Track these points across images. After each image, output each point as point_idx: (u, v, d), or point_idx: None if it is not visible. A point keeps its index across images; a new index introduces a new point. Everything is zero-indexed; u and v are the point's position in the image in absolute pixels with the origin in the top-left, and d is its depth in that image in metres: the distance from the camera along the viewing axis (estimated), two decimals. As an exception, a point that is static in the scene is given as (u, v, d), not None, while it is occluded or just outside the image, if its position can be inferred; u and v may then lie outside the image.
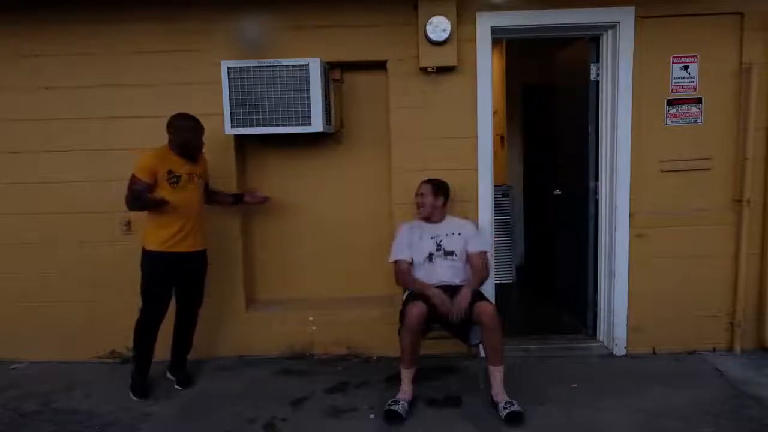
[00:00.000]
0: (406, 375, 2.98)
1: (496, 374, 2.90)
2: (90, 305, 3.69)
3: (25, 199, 3.64)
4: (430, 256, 3.19)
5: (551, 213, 4.58)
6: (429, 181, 3.30)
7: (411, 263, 3.20)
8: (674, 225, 3.53)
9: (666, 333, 3.56)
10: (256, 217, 3.79)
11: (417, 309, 2.86)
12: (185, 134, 3.07)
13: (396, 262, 3.21)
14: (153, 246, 3.09)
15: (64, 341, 3.70)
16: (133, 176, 2.97)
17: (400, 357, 2.97)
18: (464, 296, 2.91)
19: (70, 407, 3.13)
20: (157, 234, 3.07)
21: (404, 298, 3.20)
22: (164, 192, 2.99)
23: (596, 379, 3.28)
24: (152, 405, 3.12)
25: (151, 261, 3.12)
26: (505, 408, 2.79)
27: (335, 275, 3.84)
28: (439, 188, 3.27)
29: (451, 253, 3.20)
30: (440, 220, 3.28)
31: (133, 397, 3.16)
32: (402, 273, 3.18)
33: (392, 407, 2.86)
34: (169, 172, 3.02)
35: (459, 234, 3.23)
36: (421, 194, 3.25)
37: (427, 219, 3.27)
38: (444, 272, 3.16)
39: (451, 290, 3.00)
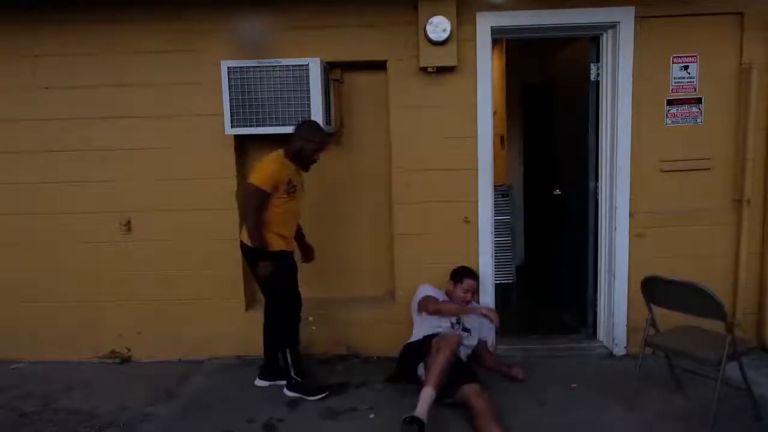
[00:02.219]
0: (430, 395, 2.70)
1: None
2: (90, 305, 3.69)
3: (25, 199, 3.64)
4: (452, 325, 3.25)
5: (551, 213, 4.57)
6: (474, 276, 3.39)
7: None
8: (674, 225, 3.53)
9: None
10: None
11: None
12: (315, 147, 3.03)
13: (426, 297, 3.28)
14: (278, 247, 3.03)
15: (64, 341, 3.71)
16: (256, 187, 2.89)
17: (427, 377, 2.78)
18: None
19: (70, 407, 3.13)
20: (276, 238, 3.02)
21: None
22: (280, 200, 2.96)
23: (596, 379, 3.28)
24: (152, 405, 3.12)
25: (281, 259, 3.06)
26: None
27: (335, 275, 3.84)
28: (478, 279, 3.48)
29: (468, 330, 3.28)
30: None
31: (315, 397, 3.09)
32: (432, 301, 3.24)
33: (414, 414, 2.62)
34: (289, 182, 2.98)
35: (477, 317, 3.30)
36: (466, 291, 3.32)
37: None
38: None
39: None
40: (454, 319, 3.27)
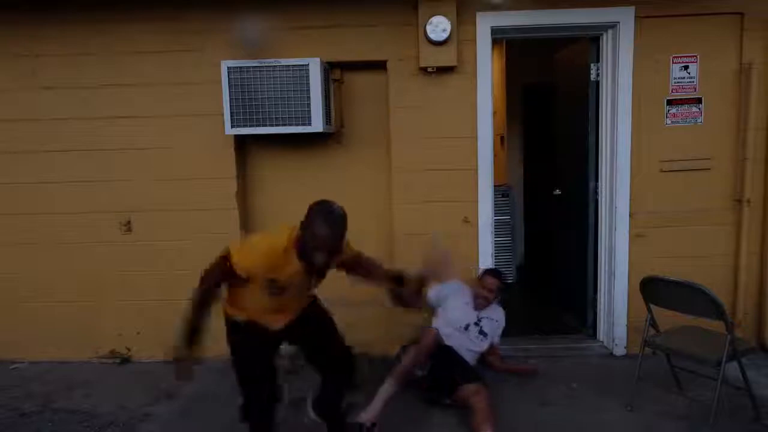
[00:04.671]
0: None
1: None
2: (90, 305, 3.69)
3: (25, 199, 3.64)
4: (467, 327, 3.21)
5: (551, 213, 4.58)
6: (497, 276, 3.32)
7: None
8: (674, 225, 3.53)
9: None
10: (255, 216, 3.79)
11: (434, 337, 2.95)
12: (314, 246, 2.08)
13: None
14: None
15: (64, 341, 3.71)
16: (222, 260, 2.18)
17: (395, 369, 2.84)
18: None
19: (70, 407, 3.13)
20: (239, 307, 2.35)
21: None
22: (254, 293, 2.23)
23: (596, 379, 3.28)
24: (152, 405, 3.12)
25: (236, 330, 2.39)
26: None
27: (335, 275, 3.82)
28: (504, 283, 3.36)
29: (485, 334, 3.23)
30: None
31: None
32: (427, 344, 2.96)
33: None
34: (272, 281, 2.16)
35: (496, 321, 3.30)
36: (490, 290, 3.25)
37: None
38: (470, 347, 3.17)
39: (452, 357, 3.03)
40: (474, 319, 3.23)
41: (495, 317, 3.30)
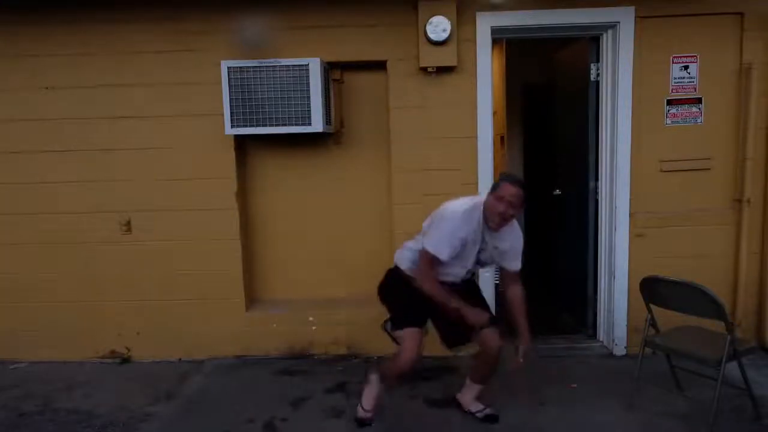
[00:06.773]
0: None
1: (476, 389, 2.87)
2: (90, 305, 3.69)
3: (25, 199, 3.64)
4: (468, 270, 2.74)
5: (551, 213, 4.58)
6: (520, 184, 2.51)
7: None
8: (674, 225, 3.53)
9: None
10: (255, 216, 3.79)
11: (415, 354, 2.59)
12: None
13: (433, 256, 2.52)
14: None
15: (64, 341, 3.71)
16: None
17: (384, 372, 2.80)
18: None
19: (70, 407, 3.13)
20: None
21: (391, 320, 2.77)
22: None
23: (596, 379, 3.28)
24: (152, 405, 3.12)
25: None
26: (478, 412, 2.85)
27: (335, 275, 3.84)
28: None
29: (484, 264, 2.77)
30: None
31: None
32: (431, 275, 2.58)
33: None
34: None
35: (509, 244, 2.66)
36: (511, 204, 2.48)
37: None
38: (458, 275, 2.70)
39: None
40: (472, 260, 2.64)
41: (507, 240, 2.64)
